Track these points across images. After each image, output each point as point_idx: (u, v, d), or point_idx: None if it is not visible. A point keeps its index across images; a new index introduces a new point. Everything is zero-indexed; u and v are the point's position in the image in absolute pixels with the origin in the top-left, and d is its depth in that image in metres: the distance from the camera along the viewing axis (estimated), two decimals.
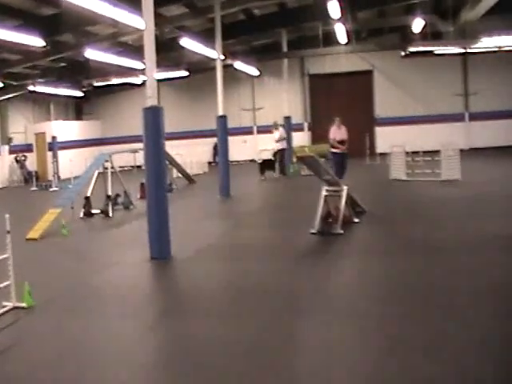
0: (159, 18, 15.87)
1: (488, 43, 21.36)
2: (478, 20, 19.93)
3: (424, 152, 20.38)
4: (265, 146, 24.02)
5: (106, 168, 15.73)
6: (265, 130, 26.51)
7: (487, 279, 7.41)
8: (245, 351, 5.52)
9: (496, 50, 23.38)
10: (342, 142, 16.44)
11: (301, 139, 28.28)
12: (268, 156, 23.31)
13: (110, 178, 15.42)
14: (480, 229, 10.41)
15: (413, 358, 5.11)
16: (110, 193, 15.17)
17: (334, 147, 16.58)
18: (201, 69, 24.82)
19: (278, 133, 22.25)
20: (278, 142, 22.14)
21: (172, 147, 19.60)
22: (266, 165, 21.90)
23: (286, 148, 22.45)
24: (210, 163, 27.97)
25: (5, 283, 7.03)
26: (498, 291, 6.89)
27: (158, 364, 5.53)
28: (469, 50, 24.12)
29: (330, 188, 11.24)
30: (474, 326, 5.78)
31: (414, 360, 5.06)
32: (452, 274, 7.74)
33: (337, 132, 16.53)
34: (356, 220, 11.49)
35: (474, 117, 28.28)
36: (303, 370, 5.05)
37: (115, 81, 24.81)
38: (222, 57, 17.88)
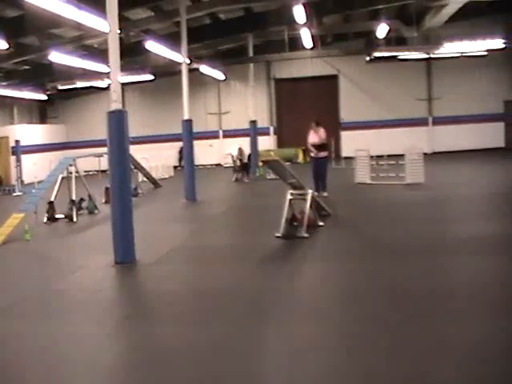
0: (124, 22, 15.87)
1: (451, 49, 21.73)
2: (441, 26, 20.26)
3: (388, 156, 20.62)
4: (230, 151, 24.06)
5: (71, 172, 15.61)
6: (231, 134, 26.56)
7: (449, 280, 7.54)
8: (208, 355, 5.52)
9: (459, 55, 23.77)
10: (317, 147, 15.78)
11: (267, 143, 28.44)
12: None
13: (74, 183, 15.30)
14: (442, 231, 10.57)
15: (373, 358, 5.17)
16: (74, 197, 15.03)
17: (311, 151, 16.07)
18: (166, 72, 24.78)
19: None
20: None
21: (137, 151, 19.49)
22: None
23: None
24: (175, 167, 27.89)
25: None
26: (457, 292, 7.00)
27: (120, 369, 5.51)
28: (432, 56, 24.47)
29: (295, 192, 11.30)
30: (434, 328, 5.86)
31: (374, 361, 5.12)
32: (414, 276, 7.84)
33: (312, 136, 15.92)
34: (321, 223, 11.55)
35: (438, 121, 28.68)
36: (266, 372, 5.07)
37: (80, 84, 24.54)
38: (188, 61, 17.87)
